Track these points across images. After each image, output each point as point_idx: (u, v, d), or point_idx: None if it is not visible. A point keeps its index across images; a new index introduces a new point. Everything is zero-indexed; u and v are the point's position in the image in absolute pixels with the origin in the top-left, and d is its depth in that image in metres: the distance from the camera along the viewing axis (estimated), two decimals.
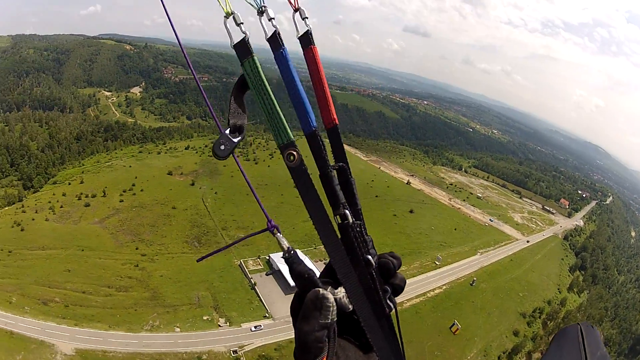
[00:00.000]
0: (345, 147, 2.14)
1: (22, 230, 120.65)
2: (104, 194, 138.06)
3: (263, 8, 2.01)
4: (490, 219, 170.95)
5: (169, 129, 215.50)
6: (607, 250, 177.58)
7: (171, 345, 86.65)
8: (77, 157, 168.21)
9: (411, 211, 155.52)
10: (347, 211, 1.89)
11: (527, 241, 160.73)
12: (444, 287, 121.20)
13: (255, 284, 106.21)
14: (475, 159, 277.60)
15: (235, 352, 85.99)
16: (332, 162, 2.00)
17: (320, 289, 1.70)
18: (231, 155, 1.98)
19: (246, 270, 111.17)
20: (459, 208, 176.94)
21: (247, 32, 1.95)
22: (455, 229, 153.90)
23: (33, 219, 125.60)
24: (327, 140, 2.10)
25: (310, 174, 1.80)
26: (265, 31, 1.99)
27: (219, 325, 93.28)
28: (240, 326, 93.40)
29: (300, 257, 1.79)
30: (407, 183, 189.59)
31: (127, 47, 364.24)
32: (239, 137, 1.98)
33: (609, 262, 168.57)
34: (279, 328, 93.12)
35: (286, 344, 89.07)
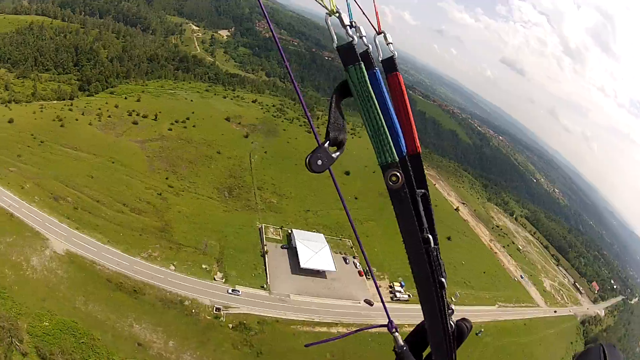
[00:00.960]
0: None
1: (61, 126, 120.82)
2: (156, 118, 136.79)
3: (354, 23, 2.01)
4: (521, 275, 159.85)
5: (243, 78, 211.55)
6: None
7: (159, 280, 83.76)
8: (143, 77, 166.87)
9: (449, 238, 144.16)
10: (430, 235, 2.08)
11: (555, 311, 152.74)
12: None
13: (266, 252, 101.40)
14: (529, 210, 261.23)
15: (218, 309, 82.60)
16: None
17: None
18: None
19: (264, 236, 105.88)
20: (496, 253, 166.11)
21: (355, 37, 1.94)
22: (484, 272, 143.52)
23: (77, 119, 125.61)
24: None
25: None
26: (355, 51, 1.99)
27: (214, 279, 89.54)
28: (234, 287, 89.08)
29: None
30: (455, 209, 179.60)
31: None
32: (338, 153, 1.94)
33: None
34: (269, 303, 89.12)
35: (271, 322, 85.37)
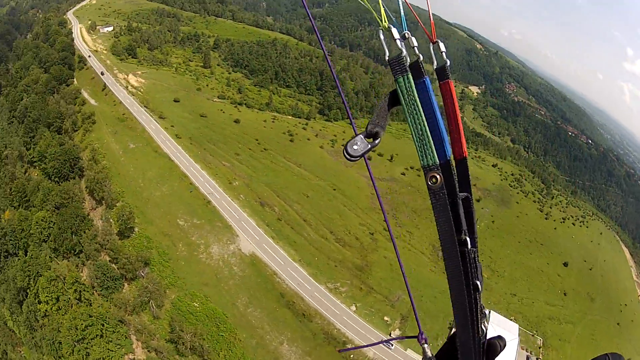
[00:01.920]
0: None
1: (290, 140, 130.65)
2: (391, 158, 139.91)
3: (407, 34, 2.26)
4: None
5: (488, 140, 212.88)
6: None
7: (333, 314, 79.42)
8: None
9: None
10: (467, 237, 2.21)
11: None
12: None
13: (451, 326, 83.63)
14: None
15: None
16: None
17: None
18: (363, 158, 2.24)
19: None
20: None
21: (404, 49, 2.15)
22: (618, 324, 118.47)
23: (308, 139, 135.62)
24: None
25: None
26: (406, 59, 2.18)
27: (390, 334, 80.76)
28: (405, 350, 78.58)
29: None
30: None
31: (478, 46, 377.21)
32: (375, 142, 2.20)
33: None
34: None
35: None
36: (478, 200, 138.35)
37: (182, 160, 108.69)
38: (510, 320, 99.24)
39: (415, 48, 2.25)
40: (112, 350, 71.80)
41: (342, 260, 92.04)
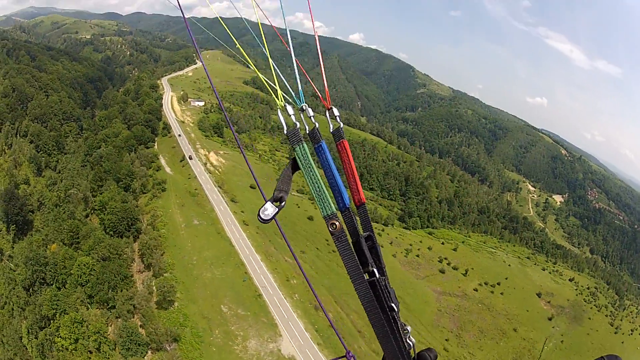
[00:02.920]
0: None
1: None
2: (466, 273, 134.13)
3: (304, 107, 2.75)
4: None
5: (567, 252, 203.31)
6: None
7: None
8: (469, 227, 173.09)
9: None
10: (374, 269, 2.60)
11: None
12: None
13: None
14: None
15: None
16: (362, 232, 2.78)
17: None
18: (274, 219, 2.66)
19: None
20: None
21: (297, 123, 2.60)
22: None
23: (381, 246, 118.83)
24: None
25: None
26: (305, 127, 2.65)
27: None
28: None
29: None
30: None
31: (563, 152, 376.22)
32: (281, 205, 2.59)
33: None
34: None
35: None
36: (550, 319, 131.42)
37: (244, 247, 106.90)
38: None
39: (312, 117, 2.65)
40: None
41: None
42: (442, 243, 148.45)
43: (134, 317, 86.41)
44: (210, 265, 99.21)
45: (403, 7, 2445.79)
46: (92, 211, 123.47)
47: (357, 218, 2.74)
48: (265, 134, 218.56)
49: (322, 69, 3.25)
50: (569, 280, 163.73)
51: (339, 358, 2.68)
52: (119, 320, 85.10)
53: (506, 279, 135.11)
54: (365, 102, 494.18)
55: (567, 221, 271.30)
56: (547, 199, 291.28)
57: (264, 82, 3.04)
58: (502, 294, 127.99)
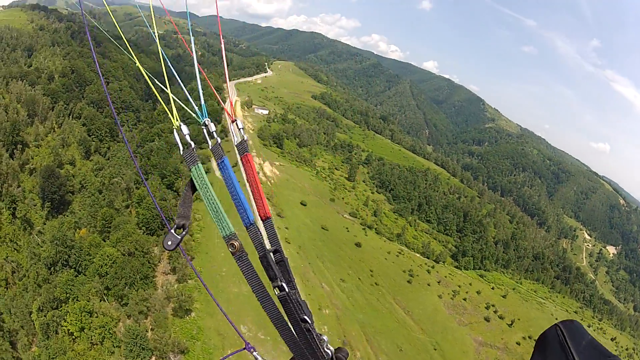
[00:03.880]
0: None
1: (408, 281, 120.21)
2: (511, 324, 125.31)
3: (206, 122, 2.73)
4: None
5: (613, 308, 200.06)
6: None
7: None
8: (522, 273, 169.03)
9: None
10: (283, 283, 2.59)
11: None
12: None
13: None
14: None
15: None
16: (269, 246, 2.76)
17: None
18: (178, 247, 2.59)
19: None
20: None
21: (193, 143, 2.62)
22: None
23: (428, 284, 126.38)
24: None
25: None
26: (208, 142, 2.68)
27: None
28: None
29: None
30: None
31: (621, 201, 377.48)
32: (184, 233, 2.56)
33: None
34: None
35: None
36: None
37: None
38: None
39: (214, 132, 2.66)
40: None
41: None
42: (492, 288, 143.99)
43: (146, 319, 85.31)
44: (239, 279, 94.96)
45: (478, 38, 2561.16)
46: (132, 203, 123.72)
47: (263, 232, 2.72)
48: (328, 151, 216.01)
49: (227, 75, 3.66)
50: (611, 339, 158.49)
51: (239, 350, 2.69)
52: (130, 319, 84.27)
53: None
54: (432, 131, 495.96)
55: (617, 275, 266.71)
56: (601, 249, 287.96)
57: (159, 98, 2.97)
58: None
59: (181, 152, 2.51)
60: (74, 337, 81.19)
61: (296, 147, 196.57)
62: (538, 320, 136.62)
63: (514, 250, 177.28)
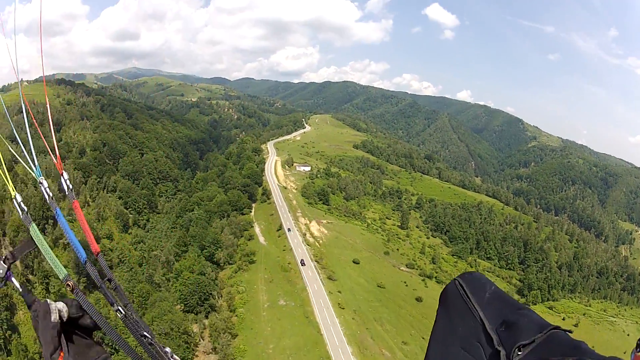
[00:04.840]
0: None
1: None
2: None
3: (41, 180, 2.94)
4: None
5: None
6: None
7: None
8: (589, 294, 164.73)
9: None
10: (119, 307, 2.66)
11: None
12: None
13: None
14: None
15: None
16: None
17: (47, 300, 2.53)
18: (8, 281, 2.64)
19: None
20: None
21: (26, 208, 2.74)
22: None
23: None
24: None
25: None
26: (45, 196, 2.88)
27: None
28: None
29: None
30: None
31: None
32: (6, 266, 2.62)
33: None
34: None
35: None
36: None
37: (333, 336, 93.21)
38: None
39: (48, 189, 2.85)
40: None
41: None
42: (563, 319, 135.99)
43: None
44: (288, 357, 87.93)
45: (504, 55, 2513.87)
46: (171, 277, 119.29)
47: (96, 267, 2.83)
48: (376, 200, 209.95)
49: (52, 128, 3.27)
50: None
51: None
52: None
53: (624, 353, 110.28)
54: (478, 161, 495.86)
55: None
56: None
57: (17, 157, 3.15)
58: None
59: (21, 216, 2.69)
60: None
61: (343, 201, 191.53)
62: (611, 342, 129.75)
63: (578, 271, 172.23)
